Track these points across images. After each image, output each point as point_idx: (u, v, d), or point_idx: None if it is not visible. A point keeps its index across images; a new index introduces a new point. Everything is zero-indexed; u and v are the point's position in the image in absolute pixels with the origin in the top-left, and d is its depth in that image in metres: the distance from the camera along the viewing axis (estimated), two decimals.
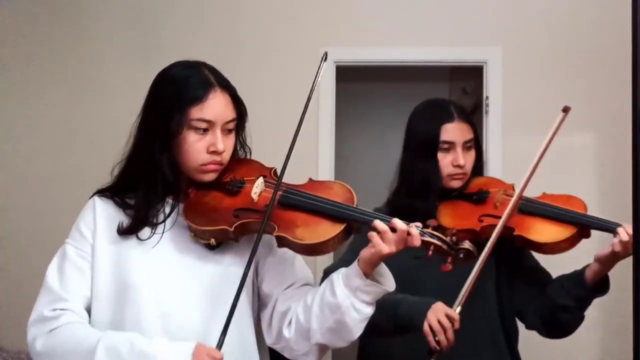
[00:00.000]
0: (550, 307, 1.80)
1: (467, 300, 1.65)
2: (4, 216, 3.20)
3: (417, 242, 1.30)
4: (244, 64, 3.12)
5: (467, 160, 1.84)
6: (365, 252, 1.33)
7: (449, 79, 4.39)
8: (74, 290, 1.39)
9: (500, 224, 1.70)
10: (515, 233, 1.74)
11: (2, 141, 3.24)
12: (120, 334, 1.31)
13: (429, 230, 1.33)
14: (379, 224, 1.31)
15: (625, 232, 1.68)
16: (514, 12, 3.13)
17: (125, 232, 1.41)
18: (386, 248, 1.29)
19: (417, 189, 1.83)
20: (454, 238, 1.34)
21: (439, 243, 1.32)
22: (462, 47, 3.15)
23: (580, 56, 3.07)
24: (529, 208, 1.79)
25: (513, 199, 1.73)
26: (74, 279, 1.39)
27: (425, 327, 1.61)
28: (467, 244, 1.32)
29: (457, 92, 4.34)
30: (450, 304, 1.65)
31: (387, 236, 1.29)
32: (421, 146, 1.85)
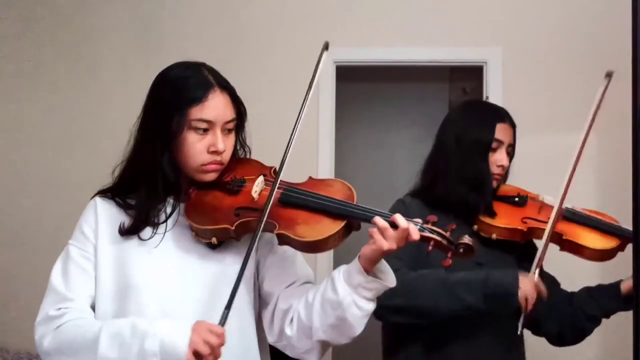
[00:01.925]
0: (575, 316, 1.85)
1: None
2: (4, 218, 3.20)
3: (415, 237, 1.30)
4: (244, 64, 3.12)
5: (507, 162, 1.86)
6: (366, 249, 1.33)
7: (449, 79, 4.38)
8: (79, 290, 1.40)
9: (549, 224, 1.74)
10: (564, 237, 1.79)
11: (3, 143, 3.24)
12: (122, 319, 1.34)
13: (429, 225, 1.33)
14: (379, 220, 1.31)
15: None
16: (514, 12, 3.13)
17: (126, 232, 1.42)
18: (386, 244, 1.29)
19: (471, 185, 1.81)
20: (453, 233, 1.35)
21: (438, 238, 1.32)
22: (462, 47, 3.15)
23: (580, 56, 3.07)
24: (575, 217, 1.85)
25: (558, 203, 1.77)
26: (78, 279, 1.41)
27: (520, 294, 1.66)
28: (466, 239, 1.33)
29: (457, 92, 4.34)
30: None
31: (387, 233, 1.30)
32: (475, 143, 1.83)
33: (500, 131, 1.83)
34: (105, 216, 1.45)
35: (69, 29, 3.25)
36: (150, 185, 1.42)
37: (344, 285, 1.33)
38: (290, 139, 1.40)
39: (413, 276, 1.70)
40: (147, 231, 1.42)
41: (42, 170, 3.21)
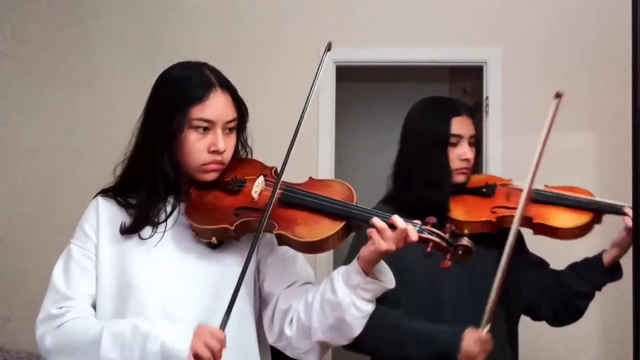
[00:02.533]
0: (565, 294, 1.83)
1: (493, 314, 1.68)
2: (5, 217, 3.20)
3: (414, 238, 1.30)
4: (245, 64, 3.12)
5: (472, 155, 1.85)
6: (365, 250, 1.33)
7: (449, 79, 4.38)
8: (80, 289, 1.41)
9: (519, 211, 1.70)
10: (534, 221, 1.77)
11: (4, 142, 3.24)
12: (124, 320, 1.34)
13: (428, 227, 1.33)
14: (377, 221, 1.31)
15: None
16: (514, 12, 3.13)
17: (127, 231, 1.42)
18: (385, 245, 1.29)
19: (431, 183, 1.81)
20: (452, 234, 1.35)
21: (437, 240, 1.32)
22: (462, 47, 3.15)
23: (580, 56, 3.07)
24: (544, 197, 1.82)
25: (525, 188, 1.73)
26: (79, 278, 1.42)
27: (461, 356, 1.65)
28: (465, 241, 1.33)
29: (457, 92, 4.34)
30: (467, 298, 1.73)
31: (386, 234, 1.30)
32: (432, 140, 1.83)
33: (458, 125, 1.82)
34: (107, 215, 1.46)
35: (71, 30, 3.24)
36: (151, 184, 1.42)
37: (342, 286, 1.33)
38: (292, 140, 1.40)
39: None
40: (147, 230, 1.43)
41: (43, 170, 3.20)
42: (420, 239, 1.31)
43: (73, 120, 3.21)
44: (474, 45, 3.14)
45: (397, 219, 1.31)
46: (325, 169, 3.12)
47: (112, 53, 3.22)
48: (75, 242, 1.46)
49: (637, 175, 1.00)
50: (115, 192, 1.48)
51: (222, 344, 1.26)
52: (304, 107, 1.42)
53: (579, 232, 1.78)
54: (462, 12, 3.14)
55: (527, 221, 1.77)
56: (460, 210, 1.81)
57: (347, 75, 3.23)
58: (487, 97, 3.13)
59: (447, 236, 1.33)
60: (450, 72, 4.31)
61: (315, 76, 1.45)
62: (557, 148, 2.98)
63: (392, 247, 1.30)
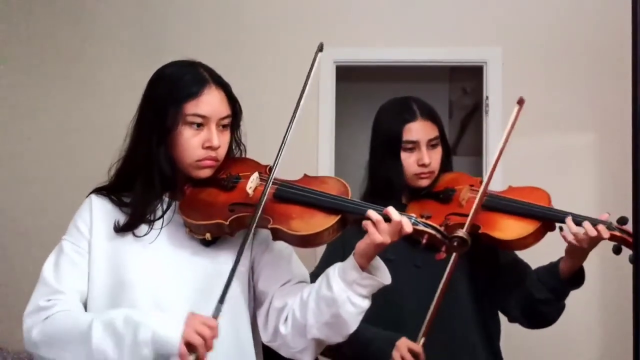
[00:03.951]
0: (529, 299, 1.80)
1: (431, 328, 1.68)
2: (3, 217, 3.20)
3: (408, 229, 1.31)
4: (244, 64, 3.12)
5: (432, 158, 1.83)
6: (361, 243, 1.34)
7: (449, 79, 4.38)
8: (70, 284, 1.41)
9: (467, 223, 1.62)
10: (480, 231, 1.71)
11: (2, 141, 3.24)
12: (114, 310, 1.34)
13: (423, 220, 1.34)
14: (372, 213, 1.32)
15: (572, 222, 1.67)
16: (514, 12, 3.13)
17: (122, 229, 1.43)
18: (380, 237, 1.30)
19: (382, 189, 1.84)
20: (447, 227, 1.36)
21: (433, 232, 1.34)
22: (462, 47, 3.15)
23: (580, 56, 3.07)
24: (492, 204, 1.76)
25: (477, 197, 1.69)
26: (69, 273, 1.42)
27: None
28: (461, 232, 1.35)
29: (457, 92, 4.34)
30: (428, 298, 1.69)
31: (381, 226, 1.31)
32: (385, 146, 1.85)
33: (412, 131, 1.82)
34: (101, 213, 1.46)
35: (69, 30, 3.24)
36: (147, 180, 1.43)
37: (338, 282, 1.33)
38: (285, 136, 1.41)
39: None
40: (142, 228, 1.43)
41: (41, 170, 3.20)
42: (415, 231, 1.33)
43: (70, 120, 3.20)
44: (474, 45, 3.14)
45: (391, 211, 1.32)
46: (325, 169, 3.11)
47: (110, 53, 3.22)
48: (67, 239, 1.46)
49: (637, 175, 1.00)
50: (109, 191, 1.49)
51: (214, 332, 1.26)
52: (297, 104, 1.43)
53: (527, 242, 1.71)
54: (462, 12, 3.14)
55: (475, 229, 1.68)
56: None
57: (347, 75, 3.23)
58: (487, 97, 3.13)
59: (442, 228, 1.35)
60: (450, 72, 4.31)
61: (307, 76, 1.45)
62: (557, 148, 3.01)
63: (387, 239, 1.31)
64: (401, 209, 1.75)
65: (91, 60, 3.22)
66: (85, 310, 1.42)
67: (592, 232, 1.64)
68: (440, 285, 1.69)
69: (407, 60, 3.20)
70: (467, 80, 4.15)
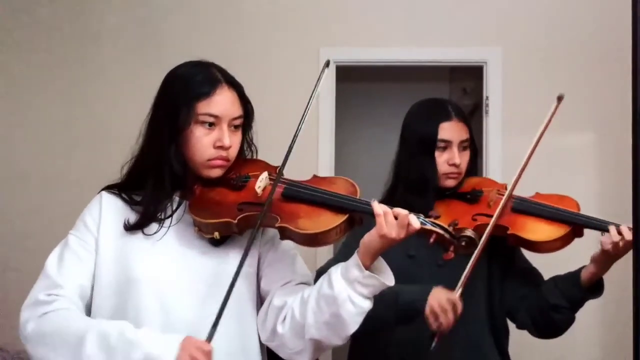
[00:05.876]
0: (542, 306, 1.80)
1: (468, 284, 1.66)
2: (6, 216, 3.20)
3: (416, 225, 1.31)
4: (244, 64, 3.09)
5: (462, 159, 1.85)
6: (366, 236, 1.33)
7: (449, 79, 4.39)
8: (70, 278, 1.40)
9: (492, 222, 1.69)
10: (509, 232, 1.74)
11: (7, 142, 3.24)
12: (111, 322, 1.33)
13: (431, 219, 1.34)
14: (378, 205, 1.33)
15: (615, 231, 1.67)
16: (514, 12, 3.13)
17: (132, 227, 1.43)
18: (385, 228, 1.30)
19: (415, 186, 1.84)
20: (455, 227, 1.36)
21: (441, 232, 1.33)
22: (462, 47, 3.15)
23: (580, 56, 3.07)
24: (523, 207, 1.80)
25: (504, 197, 1.74)
26: (71, 266, 1.41)
27: (427, 310, 1.63)
28: (469, 232, 1.35)
29: (457, 92, 4.34)
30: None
31: (388, 218, 1.30)
32: (419, 144, 1.85)
33: (446, 131, 1.83)
34: (111, 211, 1.46)
35: (71, 30, 3.24)
36: (158, 178, 1.43)
37: (340, 280, 1.33)
38: (293, 139, 1.42)
39: None
40: (152, 227, 1.43)
41: (46, 170, 3.20)
42: (423, 229, 1.32)
43: (74, 121, 3.20)
44: (474, 45, 3.15)
45: (398, 208, 1.32)
46: (325, 169, 3.11)
47: (112, 53, 3.22)
48: (74, 233, 1.46)
49: (637, 175, 1.00)
50: (120, 189, 1.49)
51: (209, 357, 1.25)
52: (303, 114, 1.44)
53: (555, 245, 1.74)
54: (462, 12, 3.14)
55: (502, 230, 1.74)
56: (442, 215, 1.80)
57: (347, 75, 3.23)
58: (487, 97, 3.13)
59: (450, 228, 1.34)
60: (450, 72, 4.32)
61: (313, 91, 1.47)
62: (557, 148, 3.00)
63: (392, 232, 1.30)
64: (431, 207, 1.76)
65: (94, 59, 3.22)
66: (91, 305, 1.42)
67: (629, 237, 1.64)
68: (476, 252, 1.64)
69: (407, 60, 3.20)
70: (467, 80, 4.15)
